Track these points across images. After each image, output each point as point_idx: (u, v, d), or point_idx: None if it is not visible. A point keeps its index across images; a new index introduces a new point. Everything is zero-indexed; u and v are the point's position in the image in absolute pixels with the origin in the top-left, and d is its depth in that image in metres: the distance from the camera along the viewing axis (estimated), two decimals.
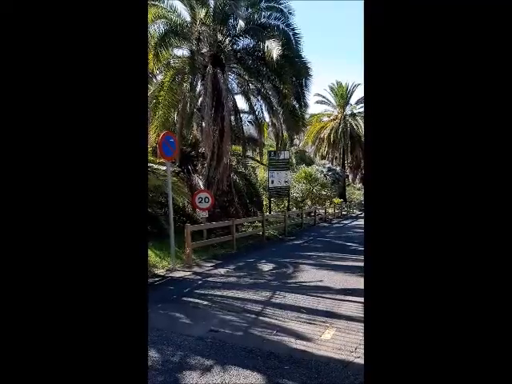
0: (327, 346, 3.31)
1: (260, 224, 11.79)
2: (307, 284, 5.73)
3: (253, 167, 17.88)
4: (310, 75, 11.39)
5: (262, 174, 20.17)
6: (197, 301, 4.92)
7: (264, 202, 16.55)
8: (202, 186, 11.14)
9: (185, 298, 5.10)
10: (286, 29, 10.24)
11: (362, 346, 3.27)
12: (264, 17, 10.38)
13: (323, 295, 5.00)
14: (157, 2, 10.19)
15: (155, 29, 9.79)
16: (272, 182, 15.01)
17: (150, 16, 9.45)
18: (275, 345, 3.38)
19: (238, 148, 14.84)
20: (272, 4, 10.40)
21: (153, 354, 3.21)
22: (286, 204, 17.07)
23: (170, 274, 6.61)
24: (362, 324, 3.80)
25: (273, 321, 4.04)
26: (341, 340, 3.45)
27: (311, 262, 7.63)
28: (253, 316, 4.24)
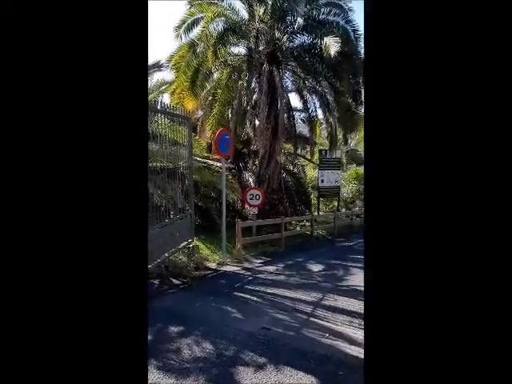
0: None
1: (308, 223, 11.67)
2: (359, 288, 5.55)
3: (302, 165, 17.70)
4: None
5: (311, 172, 19.89)
6: (248, 296, 4.98)
7: (312, 202, 16.34)
8: (252, 183, 11.26)
9: (236, 293, 5.19)
10: (345, 25, 9.99)
11: None
12: (323, 13, 10.21)
13: None
14: (216, 1, 10.41)
15: (214, 27, 9.99)
16: (322, 181, 14.72)
17: (210, 14, 9.67)
18: (328, 348, 3.33)
19: (288, 146, 14.77)
20: (332, 0, 10.19)
21: (207, 346, 3.30)
22: (336, 204, 16.71)
23: (222, 268, 6.76)
24: None
25: (324, 323, 3.98)
26: None
27: (362, 265, 7.41)
28: (304, 317, 4.21)
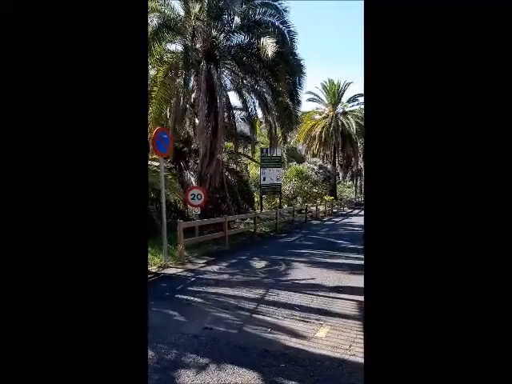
0: (322, 344, 3.34)
1: (252, 221, 11.80)
2: (300, 282, 5.76)
3: (244, 164, 17.83)
4: (303, 73, 11.41)
5: (253, 170, 20.14)
6: (190, 298, 4.91)
7: (255, 199, 16.56)
8: (193, 183, 11.09)
9: (178, 296, 5.09)
10: (280, 26, 10.22)
11: (357, 344, 3.32)
12: (259, 13, 10.33)
13: (316, 293, 5.03)
14: None
15: (148, 22, 9.65)
16: (264, 179, 14.99)
17: None
18: (270, 342, 3.40)
19: (230, 144, 14.80)
20: (267, 1, 10.36)
21: (148, 351, 3.20)
22: (277, 201, 17.10)
23: (163, 271, 6.58)
24: (356, 322, 3.87)
25: (267, 318, 4.06)
26: (335, 338, 3.48)
27: (303, 259, 7.67)
28: (247, 314, 4.26)
